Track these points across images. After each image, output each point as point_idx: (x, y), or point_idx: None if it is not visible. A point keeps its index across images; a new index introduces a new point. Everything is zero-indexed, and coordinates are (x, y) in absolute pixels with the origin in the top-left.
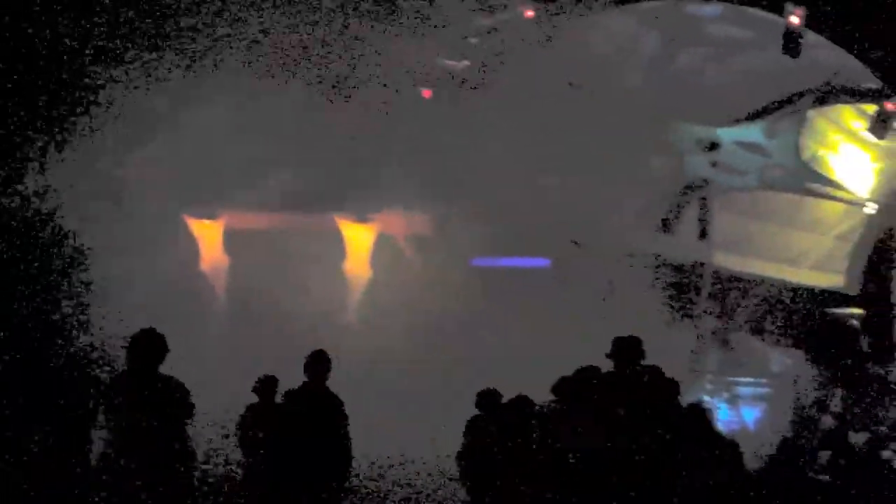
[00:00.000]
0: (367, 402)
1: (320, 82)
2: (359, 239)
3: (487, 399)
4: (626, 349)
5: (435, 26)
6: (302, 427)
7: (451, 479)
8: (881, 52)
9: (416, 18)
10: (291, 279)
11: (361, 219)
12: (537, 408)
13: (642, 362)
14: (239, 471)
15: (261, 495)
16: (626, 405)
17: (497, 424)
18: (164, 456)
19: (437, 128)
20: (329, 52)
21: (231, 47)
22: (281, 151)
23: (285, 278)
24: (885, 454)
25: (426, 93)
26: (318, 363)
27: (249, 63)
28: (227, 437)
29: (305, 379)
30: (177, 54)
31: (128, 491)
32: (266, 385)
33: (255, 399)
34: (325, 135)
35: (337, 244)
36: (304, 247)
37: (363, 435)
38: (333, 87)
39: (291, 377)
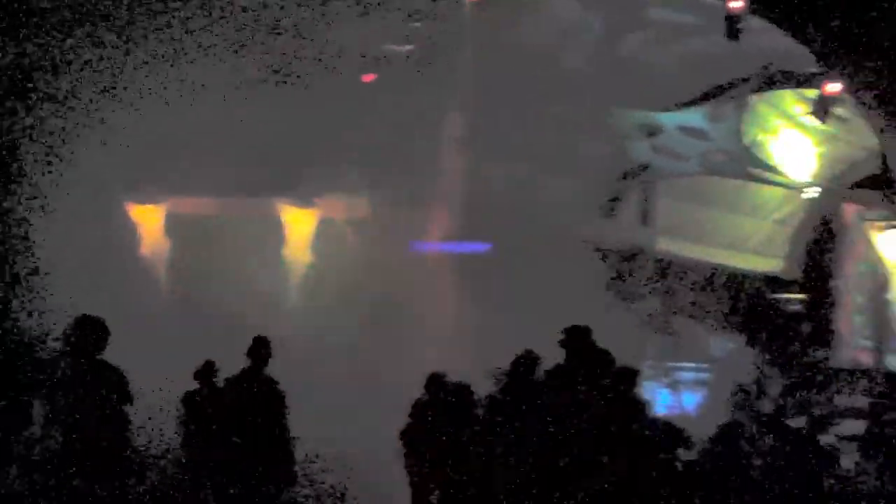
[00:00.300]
0: (308, 388)
1: (263, 66)
2: (300, 224)
3: (435, 382)
4: (576, 338)
5: (378, 5)
6: (243, 413)
7: (391, 462)
8: (823, 36)
9: (358, 2)
10: (233, 264)
11: (303, 204)
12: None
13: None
14: (182, 456)
15: (202, 480)
16: (572, 395)
17: (442, 407)
18: (102, 440)
19: (379, 112)
20: (272, 36)
21: (172, 29)
22: (223, 136)
23: (227, 263)
24: (824, 438)
25: (368, 77)
26: (260, 349)
27: (191, 46)
28: (168, 422)
29: (247, 365)
30: (117, 36)
31: (67, 475)
32: (207, 371)
33: (196, 385)
34: (268, 120)
35: (278, 229)
36: (245, 232)
37: (304, 420)
38: (276, 71)
39: (233, 363)
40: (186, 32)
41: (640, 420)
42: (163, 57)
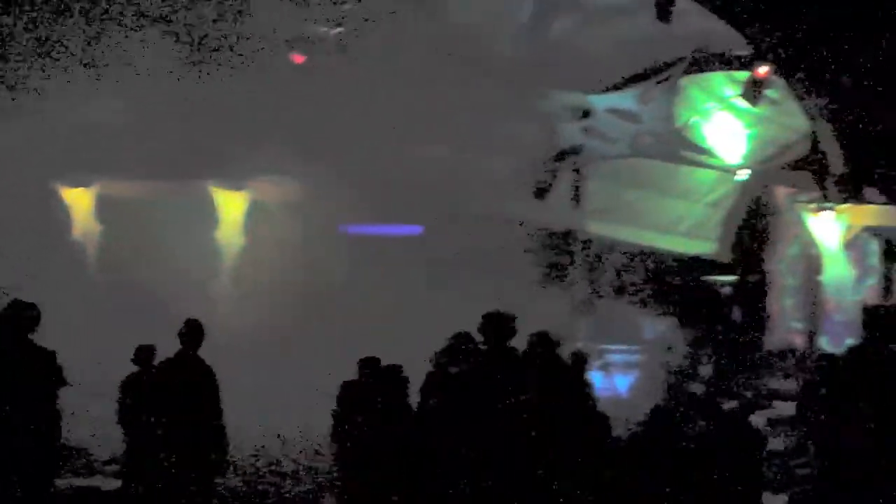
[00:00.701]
0: (240, 371)
1: (192, 48)
2: (231, 206)
3: (368, 365)
4: (496, 326)
5: None
6: (175, 396)
7: (324, 445)
8: (753, 19)
9: None
10: (165, 247)
11: (234, 186)
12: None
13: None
14: (120, 439)
15: (138, 463)
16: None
17: (374, 390)
18: (34, 423)
19: (309, 94)
20: (201, 17)
21: (98, 11)
22: (153, 119)
23: (158, 246)
24: (755, 420)
25: (298, 58)
26: (192, 332)
27: (117, 28)
28: (101, 405)
29: (179, 348)
30: (43, 21)
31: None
32: (143, 354)
33: (133, 368)
34: (198, 102)
35: (209, 212)
36: (176, 215)
37: (236, 403)
38: (206, 52)
39: (166, 346)
40: (112, 17)
41: (579, 403)
42: (89, 40)
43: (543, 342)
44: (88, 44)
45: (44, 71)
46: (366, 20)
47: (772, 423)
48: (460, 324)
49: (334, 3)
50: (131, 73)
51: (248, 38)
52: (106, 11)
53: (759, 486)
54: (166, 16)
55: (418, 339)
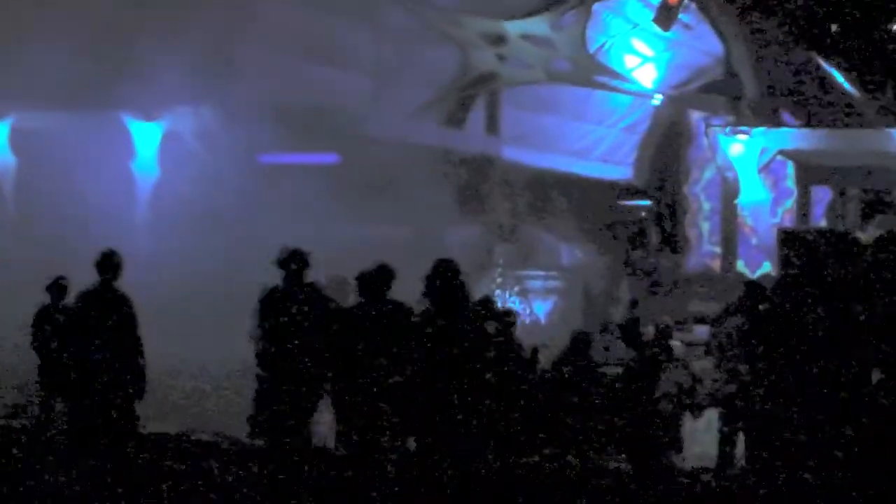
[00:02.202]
0: (157, 300)
1: None
2: (146, 137)
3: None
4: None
5: None
6: (93, 327)
7: (241, 373)
8: None
9: None
10: (80, 178)
11: (148, 116)
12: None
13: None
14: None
15: (51, 397)
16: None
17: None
18: None
19: (222, 24)
20: None
21: None
22: (66, 49)
23: (74, 177)
24: (673, 343)
25: None
26: (108, 263)
27: None
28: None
29: (97, 279)
30: None
31: None
32: (57, 286)
33: (47, 300)
34: (112, 33)
35: (125, 143)
36: (92, 146)
37: (154, 333)
38: None
39: (83, 278)
40: None
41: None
42: None
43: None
44: None
45: None
46: None
47: (690, 346)
48: (375, 252)
49: None
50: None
51: None
52: None
53: (679, 409)
54: None
55: (338, 269)
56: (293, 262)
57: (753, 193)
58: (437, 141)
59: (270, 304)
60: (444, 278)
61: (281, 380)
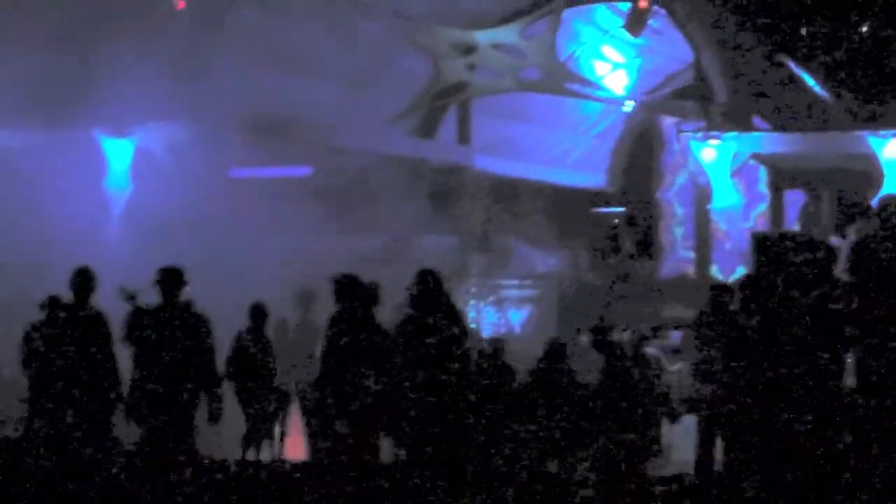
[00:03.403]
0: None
1: None
2: (119, 153)
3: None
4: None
5: None
6: (73, 343)
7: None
8: None
9: None
10: (54, 195)
11: (120, 133)
12: None
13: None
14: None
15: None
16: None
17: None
18: None
19: (193, 38)
20: None
21: None
22: (39, 65)
23: (48, 194)
24: (649, 350)
25: (181, 4)
26: (82, 280)
27: None
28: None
29: (72, 296)
30: None
31: None
32: (52, 304)
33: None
34: (82, 50)
35: (98, 159)
36: (64, 162)
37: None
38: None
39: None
40: None
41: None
42: None
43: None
44: None
45: None
46: None
47: (665, 351)
48: (353, 265)
49: None
50: (14, 17)
51: None
52: None
53: (655, 416)
54: None
55: (308, 278)
56: (164, 281)
57: (726, 198)
58: (408, 151)
59: (133, 322)
60: (428, 287)
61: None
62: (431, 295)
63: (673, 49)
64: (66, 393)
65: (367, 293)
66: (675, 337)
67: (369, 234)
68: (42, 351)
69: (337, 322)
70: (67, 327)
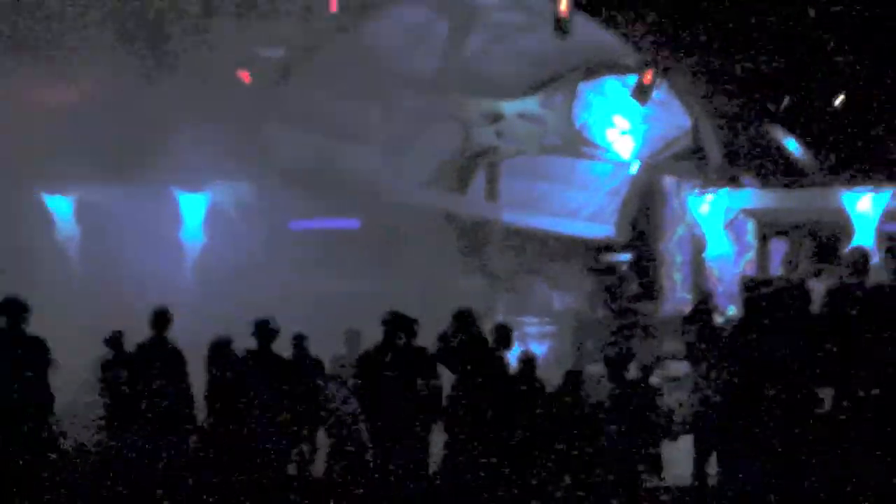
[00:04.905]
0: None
1: (151, 63)
2: (193, 208)
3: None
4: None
5: (252, 9)
6: (150, 376)
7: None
8: (639, 32)
9: (235, 9)
10: (136, 245)
11: (195, 189)
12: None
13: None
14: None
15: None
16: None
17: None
18: (29, 400)
19: (258, 107)
20: (157, 33)
21: (63, 28)
22: (123, 130)
23: (131, 245)
24: (653, 380)
25: (245, 76)
26: (160, 319)
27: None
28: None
29: (150, 333)
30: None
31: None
32: (116, 339)
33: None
34: (160, 115)
35: (175, 213)
36: (146, 217)
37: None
38: (163, 67)
39: (140, 333)
40: (73, 28)
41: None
42: (54, 58)
43: (466, 319)
44: (57, 50)
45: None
46: (304, 41)
47: (666, 380)
48: (398, 305)
49: (277, 30)
50: (98, 87)
51: (202, 56)
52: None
53: (658, 436)
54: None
55: (358, 315)
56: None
57: (719, 247)
58: (444, 205)
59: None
60: (466, 323)
61: None
62: (468, 330)
63: (673, 117)
64: (145, 417)
65: (410, 327)
66: (675, 367)
67: (410, 278)
68: (124, 380)
69: (382, 350)
70: (147, 359)
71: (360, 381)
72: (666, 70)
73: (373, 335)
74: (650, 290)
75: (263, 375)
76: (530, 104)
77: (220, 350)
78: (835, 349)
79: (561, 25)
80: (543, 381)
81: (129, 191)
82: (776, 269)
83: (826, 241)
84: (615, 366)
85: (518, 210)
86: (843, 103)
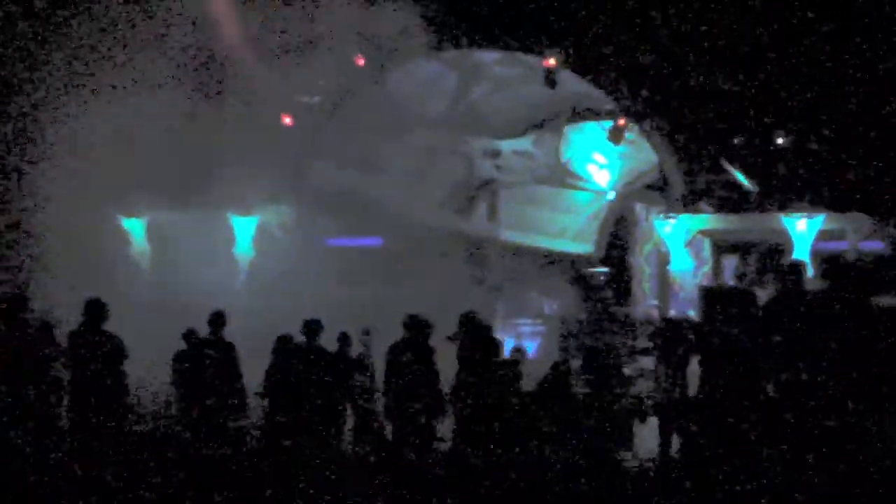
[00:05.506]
0: (251, 351)
1: (203, 103)
2: (244, 228)
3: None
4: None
5: (297, 66)
6: (208, 366)
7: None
8: (615, 83)
9: (279, 60)
10: (197, 260)
11: (246, 213)
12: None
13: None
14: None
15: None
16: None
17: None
18: (108, 389)
19: (296, 145)
20: (209, 76)
21: (125, 66)
22: (184, 163)
23: (194, 259)
24: (626, 370)
25: (288, 120)
26: (217, 320)
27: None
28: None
29: (209, 331)
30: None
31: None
32: (189, 334)
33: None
34: (219, 150)
35: (229, 233)
36: (205, 236)
37: (251, 374)
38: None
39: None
40: (135, 68)
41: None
42: (116, 94)
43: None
44: (118, 99)
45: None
46: (337, 90)
47: (637, 372)
48: (414, 309)
49: (314, 79)
50: (167, 125)
51: (253, 102)
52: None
53: (629, 416)
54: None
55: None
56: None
57: (681, 262)
58: (452, 226)
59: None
60: (473, 324)
61: None
62: (474, 329)
63: (643, 155)
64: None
65: (424, 327)
66: (644, 362)
67: (423, 286)
68: (189, 370)
69: (400, 346)
70: (206, 353)
71: (387, 370)
72: (637, 116)
73: (391, 335)
74: (624, 297)
75: (314, 366)
76: (524, 142)
77: (284, 343)
78: (775, 344)
79: (549, 78)
80: (531, 370)
81: (191, 214)
82: (728, 279)
83: (769, 256)
84: (593, 359)
85: (514, 230)
86: (785, 143)
